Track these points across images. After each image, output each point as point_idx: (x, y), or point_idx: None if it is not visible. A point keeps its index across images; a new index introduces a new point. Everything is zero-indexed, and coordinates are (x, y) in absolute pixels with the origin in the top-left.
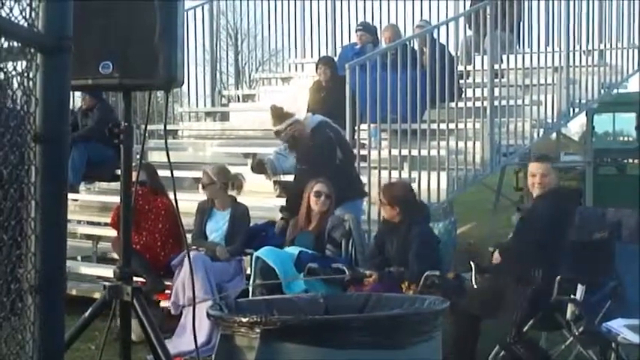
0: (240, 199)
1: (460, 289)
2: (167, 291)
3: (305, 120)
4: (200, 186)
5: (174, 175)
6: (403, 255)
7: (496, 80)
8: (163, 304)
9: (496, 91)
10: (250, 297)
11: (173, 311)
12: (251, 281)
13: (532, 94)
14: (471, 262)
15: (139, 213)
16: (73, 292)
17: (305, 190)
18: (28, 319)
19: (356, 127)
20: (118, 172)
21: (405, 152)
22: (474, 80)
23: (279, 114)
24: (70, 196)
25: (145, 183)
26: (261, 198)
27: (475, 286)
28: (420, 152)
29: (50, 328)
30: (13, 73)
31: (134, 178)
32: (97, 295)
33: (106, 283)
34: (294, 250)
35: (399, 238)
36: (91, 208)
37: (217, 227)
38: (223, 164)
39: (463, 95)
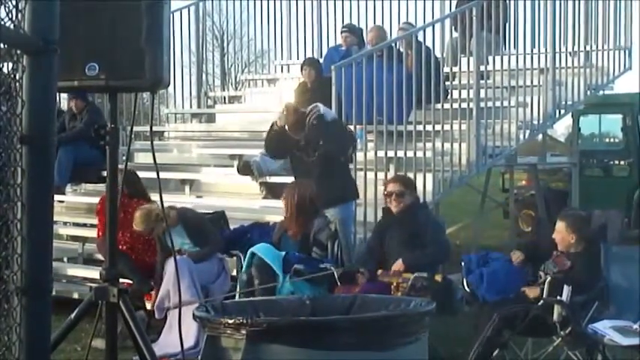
0: (226, 200)
1: (448, 290)
2: (153, 292)
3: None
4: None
5: (160, 176)
6: (408, 242)
7: (482, 82)
8: (149, 306)
9: (482, 92)
10: (248, 289)
11: (157, 315)
12: (240, 276)
13: (518, 96)
14: None
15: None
16: (59, 294)
17: (288, 193)
18: (15, 320)
19: None
20: (105, 173)
21: (391, 154)
22: (459, 82)
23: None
24: (57, 197)
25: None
26: (247, 199)
27: None
28: (406, 154)
29: (36, 329)
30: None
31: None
32: (83, 297)
33: (92, 285)
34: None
35: (402, 227)
36: (77, 210)
37: (183, 242)
38: (139, 218)
39: (449, 97)
